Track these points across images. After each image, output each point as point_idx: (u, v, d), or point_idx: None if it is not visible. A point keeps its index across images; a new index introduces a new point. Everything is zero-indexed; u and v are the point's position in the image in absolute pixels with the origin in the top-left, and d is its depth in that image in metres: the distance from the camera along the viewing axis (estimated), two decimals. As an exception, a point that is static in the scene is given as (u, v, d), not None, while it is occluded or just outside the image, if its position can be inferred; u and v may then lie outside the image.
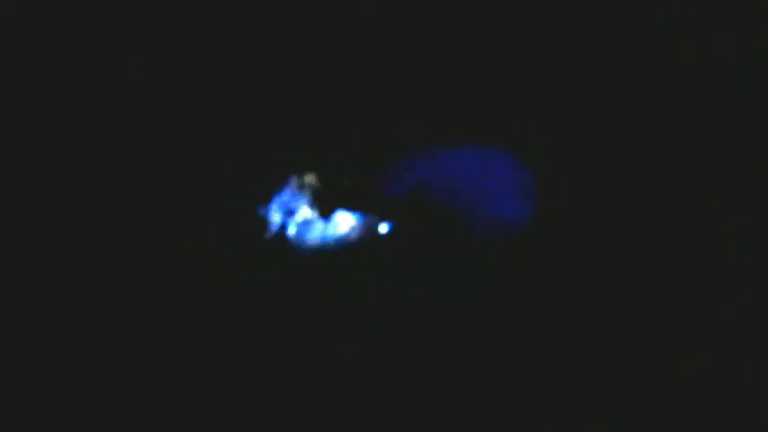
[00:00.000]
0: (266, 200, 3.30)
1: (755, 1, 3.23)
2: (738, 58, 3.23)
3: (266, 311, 3.18)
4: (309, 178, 3.32)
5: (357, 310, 3.19)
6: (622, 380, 3.05)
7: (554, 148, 3.31)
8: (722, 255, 3.14)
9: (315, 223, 3.30)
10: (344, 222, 3.30)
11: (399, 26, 3.38)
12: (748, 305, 3.05)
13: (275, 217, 3.28)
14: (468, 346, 3.15)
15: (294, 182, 3.32)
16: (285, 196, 3.30)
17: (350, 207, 3.31)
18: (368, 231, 3.29)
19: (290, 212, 3.29)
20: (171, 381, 3.11)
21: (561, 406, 3.04)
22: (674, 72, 3.30)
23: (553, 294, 3.19)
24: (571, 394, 3.05)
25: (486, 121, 3.35)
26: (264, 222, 3.28)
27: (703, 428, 2.93)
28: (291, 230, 3.27)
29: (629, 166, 3.28)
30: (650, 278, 3.16)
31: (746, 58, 3.22)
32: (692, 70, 3.29)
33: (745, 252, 3.11)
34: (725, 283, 3.11)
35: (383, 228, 3.29)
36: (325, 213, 3.31)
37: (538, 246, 3.24)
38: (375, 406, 3.08)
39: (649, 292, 3.15)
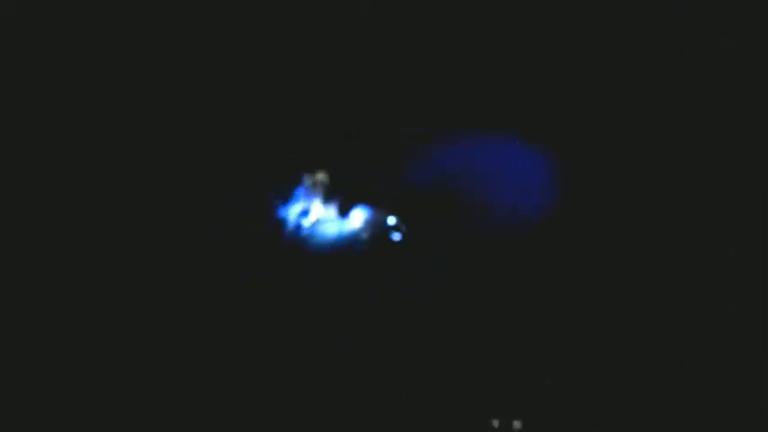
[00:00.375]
0: (281, 198, 3.30)
1: (755, 1, 3.23)
2: (738, 58, 3.23)
3: (279, 308, 3.17)
4: (321, 176, 3.32)
5: (371, 308, 3.17)
6: (628, 380, 3.05)
7: (558, 143, 3.31)
8: (722, 254, 3.14)
9: (328, 221, 3.29)
10: (358, 219, 3.30)
11: (414, 21, 3.36)
12: (748, 305, 3.05)
13: (290, 215, 3.28)
14: (479, 344, 3.14)
15: (307, 180, 3.31)
16: (299, 194, 3.30)
17: (363, 203, 3.31)
18: (381, 228, 3.28)
19: (304, 211, 3.29)
20: (178, 380, 3.11)
21: (564, 404, 3.04)
22: (675, 72, 3.31)
23: (565, 290, 3.17)
24: (575, 391, 3.05)
25: (501, 114, 3.33)
26: (280, 221, 3.28)
27: (703, 428, 2.93)
28: (306, 228, 3.27)
29: (630, 165, 3.28)
30: (653, 276, 3.17)
31: (746, 58, 3.22)
32: (692, 70, 3.29)
33: (746, 252, 3.11)
34: (725, 282, 3.11)
35: (394, 222, 3.28)
36: (339, 210, 3.31)
37: (553, 240, 3.24)
38: (379, 405, 3.07)
39: (653, 290, 3.15)
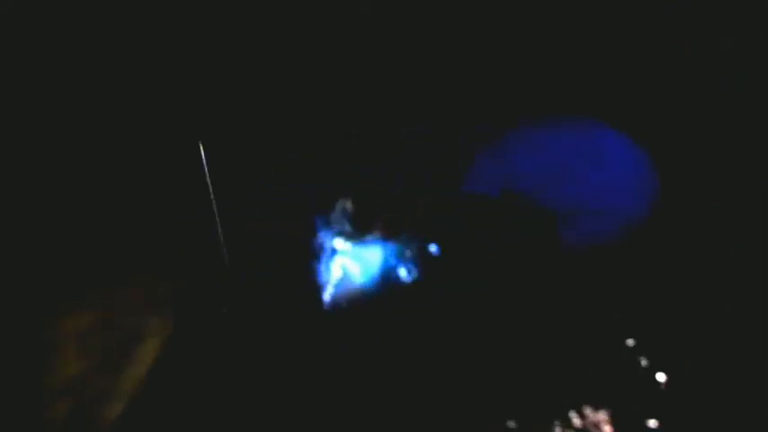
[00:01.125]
0: (320, 223, 3.25)
1: (755, 1, 3.23)
2: (738, 58, 3.24)
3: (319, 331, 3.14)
4: (348, 204, 3.25)
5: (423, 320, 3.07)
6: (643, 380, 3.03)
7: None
8: (722, 254, 3.14)
9: (364, 246, 3.22)
10: (398, 243, 3.21)
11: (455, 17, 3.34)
12: (748, 305, 3.05)
13: (325, 239, 3.23)
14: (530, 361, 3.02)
15: (339, 206, 3.25)
16: (333, 221, 3.24)
17: (405, 234, 3.20)
18: (424, 249, 3.14)
19: (339, 233, 3.24)
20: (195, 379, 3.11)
21: (565, 402, 3.04)
22: (675, 72, 3.31)
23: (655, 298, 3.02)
24: (575, 390, 3.05)
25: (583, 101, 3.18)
26: (316, 248, 3.23)
27: (704, 428, 2.94)
28: (340, 253, 3.21)
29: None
30: (653, 278, 3.17)
31: (746, 58, 3.23)
32: (692, 70, 3.30)
33: (745, 252, 3.11)
34: (725, 282, 3.11)
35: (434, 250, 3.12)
36: (385, 237, 3.22)
37: (654, 250, 3.02)
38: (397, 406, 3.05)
39: (654, 291, 3.16)
